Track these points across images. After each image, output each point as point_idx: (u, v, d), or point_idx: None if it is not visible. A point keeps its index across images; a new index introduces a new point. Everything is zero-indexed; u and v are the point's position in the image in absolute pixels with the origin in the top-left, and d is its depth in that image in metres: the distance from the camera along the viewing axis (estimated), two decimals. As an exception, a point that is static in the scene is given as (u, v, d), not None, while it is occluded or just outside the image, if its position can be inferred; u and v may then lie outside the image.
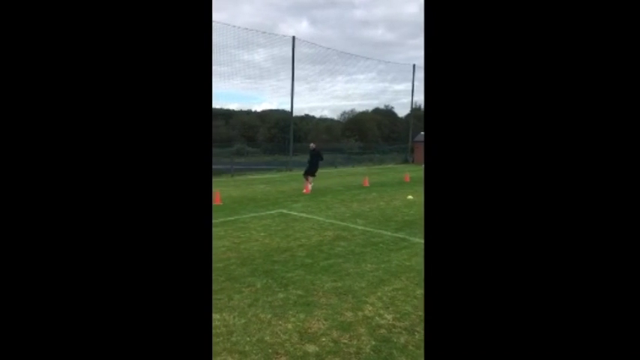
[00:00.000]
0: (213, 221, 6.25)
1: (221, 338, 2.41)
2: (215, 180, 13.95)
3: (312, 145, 10.64)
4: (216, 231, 5.51)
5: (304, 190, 9.83)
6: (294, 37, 17.18)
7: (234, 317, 2.71)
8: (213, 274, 3.63)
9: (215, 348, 2.28)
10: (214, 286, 3.31)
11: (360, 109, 39.05)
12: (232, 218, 6.45)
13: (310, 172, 10.06)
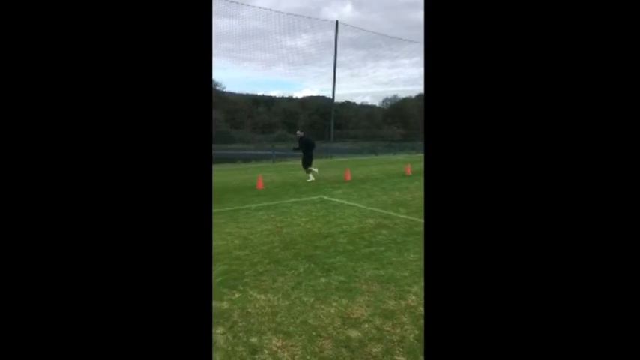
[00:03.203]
0: (257, 205, 6.42)
1: (266, 318, 2.49)
2: (257, 166, 14.27)
3: (299, 132, 9.87)
4: (259, 215, 5.66)
5: (310, 180, 9.32)
6: (337, 22, 16.94)
7: (278, 299, 2.78)
8: (257, 257, 3.74)
9: (260, 327, 2.36)
10: (259, 268, 3.42)
11: (402, 95, 38.04)
12: (274, 203, 6.59)
13: (308, 162, 9.43)
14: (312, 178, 9.37)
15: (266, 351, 2.12)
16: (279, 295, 2.84)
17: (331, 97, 18.25)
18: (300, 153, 9.58)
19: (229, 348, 2.14)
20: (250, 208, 6.22)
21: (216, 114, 32.00)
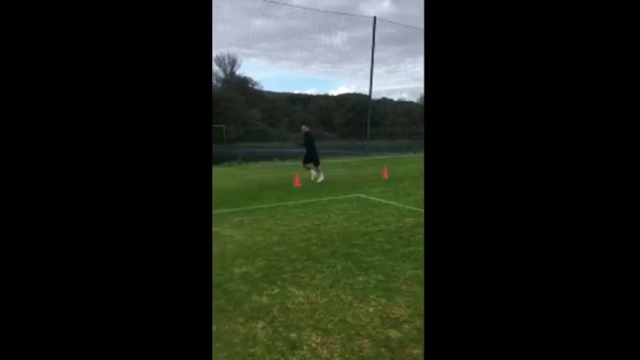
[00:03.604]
0: (294, 202, 6.49)
1: (305, 314, 2.51)
2: (293, 163, 14.42)
3: (304, 127, 9.13)
4: (296, 212, 5.72)
5: (317, 178, 8.70)
6: (375, 18, 16.73)
7: (316, 296, 2.80)
8: (295, 253, 3.78)
9: (299, 323, 2.39)
10: (297, 265, 3.46)
11: (441, 91, 36.85)
12: (311, 200, 6.63)
13: (314, 159, 8.78)
14: (322, 177, 8.81)
15: (305, 347, 2.14)
16: (318, 293, 2.86)
17: (368, 94, 18.08)
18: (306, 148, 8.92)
19: (270, 342, 2.18)
20: (288, 205, 6.30)
21: (255, 112, 32.70)
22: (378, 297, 2.77)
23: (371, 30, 16.64)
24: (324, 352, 2.10)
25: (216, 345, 2.16)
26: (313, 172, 8.97)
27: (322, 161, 9.69)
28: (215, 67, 37.82)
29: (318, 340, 2.20)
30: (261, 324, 2.39)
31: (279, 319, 2.45)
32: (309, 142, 8.81)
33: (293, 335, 2.25)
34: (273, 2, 16.11)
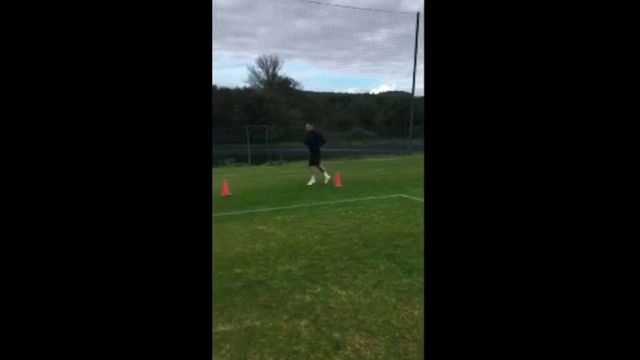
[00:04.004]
0: (335, 201, 6.49)
1: (348, 314, 2.50)
2: (334, 163, 14.44)
3: (308, 126, 8.69)
4: (337, 211, 5.71)
5: (330, 181, 8.28)
6: (418, 14, 16.33)
7: (359, 296, 2.77)
8: (337, 253, 3.77)
9: (343, 323, 2.38)
10: (339, 264, 3.45)
11: (488, 87, 35.26)
12: (352, 200, 6.59)
13: (316, 160, 8.39)
14: (327, 177, 8.47)
15: (349, 347, 2.12)
16: (361, 293, 2.83)
17: (410, 91, 17.69)
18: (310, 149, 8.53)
19: (313, 341, 2.19)
20: (329, 204, 6.31)
21: (295, 112, 33.12)
22: (422, 300, 2.69)
23: (414, 26, 16.26)
24: (369, 353, 2.07)
25: (261, 341, 2.20)
26: (321, 175, 8.57)
27: (362, 160, 9.58)
28: (258, 69, 38.71)
29: (362, 342, 2.18)
30: (304, 322, 2.41)
31: (322, 318, 2.45)
32: (312, 142, 8.42)
33: (336, 335, 2.25)
34: (314, 2, 16.20)
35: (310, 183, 8.47)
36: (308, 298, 2.75)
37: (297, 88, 37.64)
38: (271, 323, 2.40)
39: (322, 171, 8.54)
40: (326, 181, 8.45)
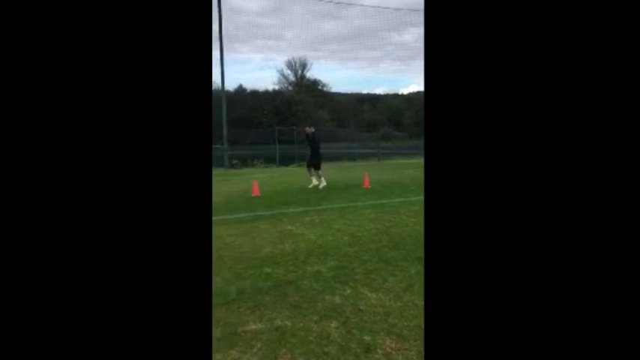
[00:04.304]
0: (364, 203, 6.45)
1: (379, 317, 2.47)
2: (362, 164, 14.37)
3: (308, 128, 8.46)
4: (367, 213, 5.67)
5: (318, 185, 8.06)
6: (448, 12, 15.95)
7: (389, 299, 2.74)
8: (367, 255, 3.75)
9: (373, 326, 2.35)
10: (369, 266, 3.42)
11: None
12: (381, 202, 6.53)
13: (315, 163, 8.21)
14: (324, 182, 8.26)
15: (380, 351, 2.10)
16: (391, 296, 2.79)
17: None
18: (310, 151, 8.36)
19: (344, 343, 2.18)
20: (357, 205, 6.28)
21: (323, 114, 33.23)
22: (456, 305, 2.62)
23: (445, 24, 15.89)
24: (400, 357, 2.04)
25: (291, 341, 2.22)
26: (314, 180, 8.40)
27: (391, 161, 9.46)
28: (286, 71, 39.15)
29: (393, 345, 2.15)
30: (334, 323, 2.40)
31: (353, 321, 2.43)
32: (313, 144, 8.28)
33: (367, 338, 2.23)
34: (342, 3, 16.16)
35: (312, 186, 8.33)
36: (338, 300, 2.75)
37: (325, 89, 37.77)
38: (301, 324, 2.41)
39: (320, 176, 8.37)
40: (320, 186, 8.21)
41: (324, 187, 8.12)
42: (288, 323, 2.42)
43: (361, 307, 2.62)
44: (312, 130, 8.41)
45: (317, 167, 8.30)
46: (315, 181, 8.32)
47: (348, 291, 2.90)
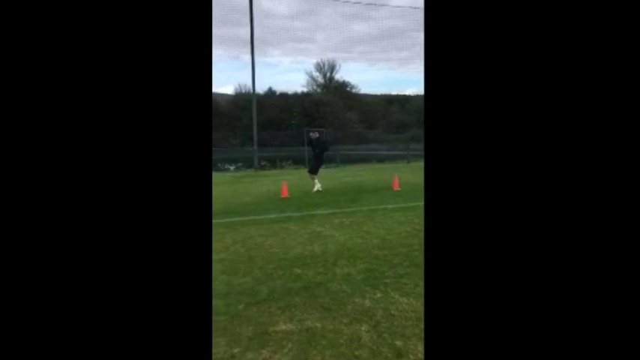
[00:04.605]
0: (393, 206, 6.37)
1: (410, 322, 2.43)
2: (391, 165, 14.20)
3: (312, 134, 8.42)
4: (396, 216, 5.60)
5: (317, 189, 8.03)
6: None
7: (421, 304, 2.68)
8: (397, 258, 3.69)
9: (404, 331, 2.32)
10: (399, 270, 3.37)
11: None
12: (412, 205, 6.42)
13: (314, 167, 8.19)
14: (318, 186, 8.16)
15: (412, 356, 2.06)
16: (422, 301, 2.74)
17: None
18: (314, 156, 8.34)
19: (375, 347, 2.16)
20: (387, 208, 6.21)
21: (352, 115, 33.14)
22: (491, 313, 2.54)
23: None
24: (433, 365, 1.99)
25: (322, 343, 2.22)
26: (317, 183, 8.34)
27: (420, 163, 9.27)
28: (315, 73, 39.35)
29: (425, 352, 2.10)
30: (365, 327, 2.38)
31: (384, 325, 2.41)
32: (317, 149, 8.29)
33: (398, 343, 2.19)
34: (372, 5, 16.07)
35: (315, 189, 8.22)
36: (368, 303, 2.73)
37: (354, 91, 37.65)
38: (332, 326, 2.41)
39: (314, 180, 8.31)
40: (314, 189, 8.12)
41: (317, 192, 8.07)
42: (319, 325, 2.42)
43: (392, 312, 2.58)
44: (317, 135, 8.50)
45: (313, 172, 8.29)
46: (317, 186, 8.26)
47: (379, 295, 2.88)
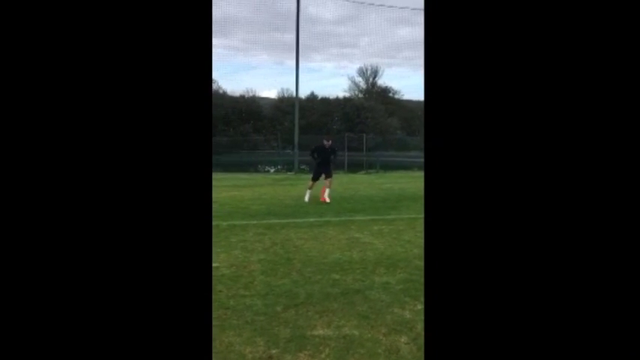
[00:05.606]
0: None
1: (452, 338, 2.34)
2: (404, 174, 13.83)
3: (326, 142, 8.01)
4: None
5: (321, 199, 7.57)
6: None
7: (464, 320, 2.58)
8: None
9: (446, 346, 2.23)
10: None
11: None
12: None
13: (316, 172, 7.84)
14: (307, 197, 7.76)
15: (453, 374, 1.98)
16: (466, 317, 2.62)
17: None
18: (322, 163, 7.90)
19: (414, 360, 2.10)
20: (428, 217, 6.04)
21: (393, 121, 32.71)
22: (541, 335, 2.38)
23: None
24: (476, 385, 1.90)
25: (359, 351, 2.19)
26: (305, 190, 8.01)
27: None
28: (357, 79, 39.30)
29: (469, 370, 2.01)
30: (404, 339, 2.32)
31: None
32: (327, 157, 7.96)
33: (439, 358, 2.11)
34: (417, 10, 15.82)
35: (306, 198, 7.85)
36: (408, 315, 2.66)
37: (396, 96, 37.19)
38: (369, 334, 2.37)
39: (309, 188, 7.90)
40: (306, 199, 7.74)
41: (306, 203, 7.63)
42: (356, 333, 2.39)
43: (433, 325, 2.50)
44: (330, 142, 8.22)
45: (315, 179, 7.94)
46: (308, 195, 7.85)
47: (419, 307, 2.79)
